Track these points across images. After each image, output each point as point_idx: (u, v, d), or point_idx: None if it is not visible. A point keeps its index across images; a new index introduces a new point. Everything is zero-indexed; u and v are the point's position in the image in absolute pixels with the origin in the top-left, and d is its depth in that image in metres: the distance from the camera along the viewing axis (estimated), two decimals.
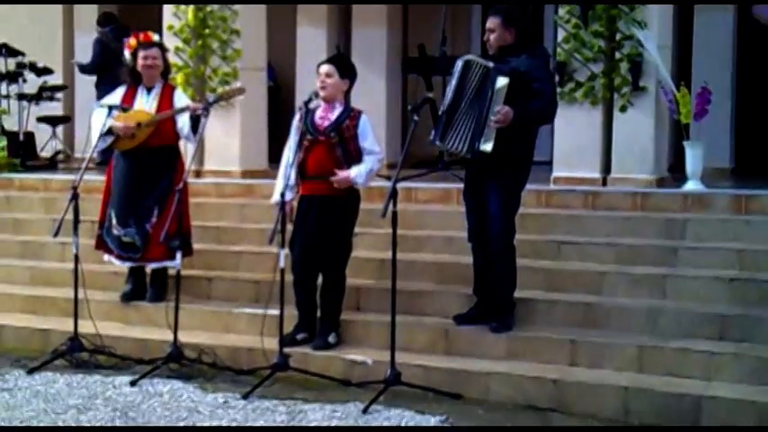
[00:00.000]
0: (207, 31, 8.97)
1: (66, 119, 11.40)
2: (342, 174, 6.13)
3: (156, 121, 6.79)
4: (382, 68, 10.64)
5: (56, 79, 11.41)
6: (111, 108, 6.70)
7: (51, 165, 10.62)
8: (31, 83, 11.08)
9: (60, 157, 11.08)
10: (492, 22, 6.02)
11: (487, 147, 5.82)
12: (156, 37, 7.00)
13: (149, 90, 6.92)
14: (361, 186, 6.27)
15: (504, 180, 5.97)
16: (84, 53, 11.56)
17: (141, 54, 6.84)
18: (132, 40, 6.92)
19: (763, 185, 7.48)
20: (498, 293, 6.09)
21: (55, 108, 11.40)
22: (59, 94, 11.38)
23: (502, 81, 5.78)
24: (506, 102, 5.78)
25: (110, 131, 6.71)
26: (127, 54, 6.95)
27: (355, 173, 6.16)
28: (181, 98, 6.97)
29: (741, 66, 9.74)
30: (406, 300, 6.30)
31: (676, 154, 8.49)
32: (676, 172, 8.07)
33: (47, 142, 11.05)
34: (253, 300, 6.83)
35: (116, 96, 6.94)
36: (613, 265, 6.52)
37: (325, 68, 6.27)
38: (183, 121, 6.79)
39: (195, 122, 6.69)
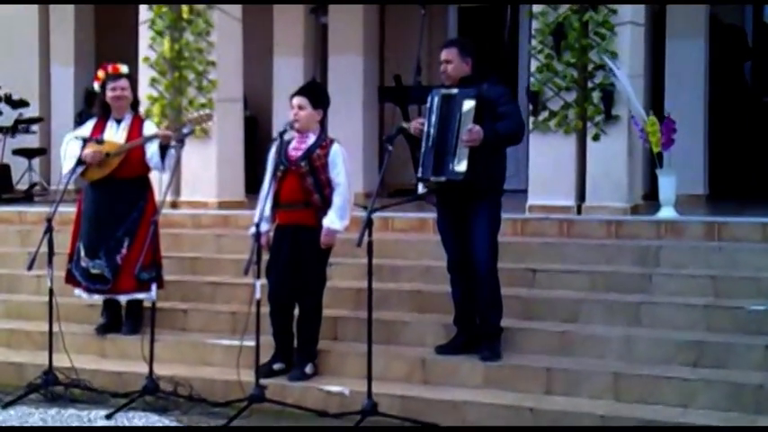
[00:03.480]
0: (183, 62, 9.00)
1: (43, 151, 11.36)
2: (324, 234, 6.15)
3: (125, 150, 6.79)
4: (359, 98, 10.70)
5: (32, 111, 11.39)
6: (85, 140, 6.72)
7: (27, 197, 10.59)
8: (7, 115, 11.04)
9: (37, 189, 11.03)
10: (448, 53, 6.11)
11: (461, 167, 5.87)
12: (124, 68, 7.02)
13: (119, 122, 6.93)
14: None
15: (487, 204, 6.01)
16: (60, 85, 11.62)
17: (110, 86, 6.87)
18: (101, 72, 6.96)
19: (735, 212, 7.56)
20: (486, 321, 6.10)
21: (31, 140, 11.37)
22: (35, 127, 11.35)
23: (469, 103, 5.87)
24: (476, 121, 5.85)
25: (80, 162, 6.72)
26: (96, 86, 6.97)
27: (330, 222, 6.15)
28: (150, 129, 6.97)
29: (714, 93, 9.85)
30: (383, 329, 6.31)
31: (651, 181, 8.56)
32: (651, 199, 8.13)
33: (23, 175, 11.01)
34: (229, 331, 6.81)
35: (86, 129, 6.96)
36: (588, 293, 6.55)
37: (297, 100, 6.30)
38: (153, 151, 6.80)
39: (163, 151, 6.71)
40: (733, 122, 10.07)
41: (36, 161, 11.28)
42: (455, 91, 6.00)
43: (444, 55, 6.13)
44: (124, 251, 6.80)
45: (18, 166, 11.07)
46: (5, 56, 11.54)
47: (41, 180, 11.29)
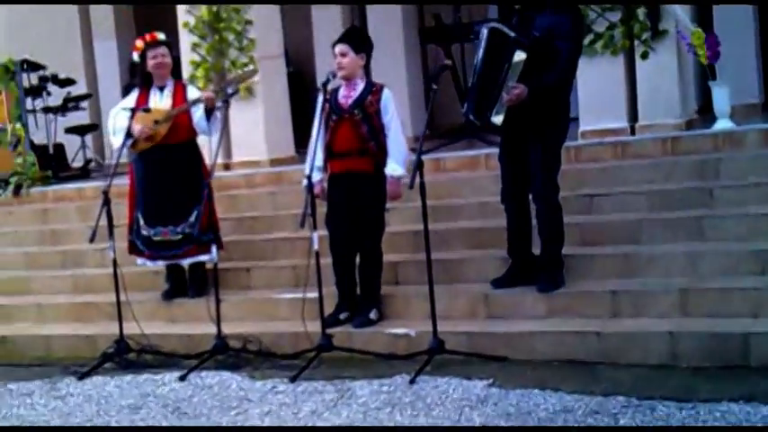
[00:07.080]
0: (222, 24, 8.97)
1: (94, 127, 11.47)
2: (390, 184, 6.14)
3: (172, 116, 6.80)
4: (400, 42, 10.59)
5: (79, 89, 11.50)
6: (132, 110, 6.75)
7: (84, 174, 10.71)
8: (56, 95, 11.15)
9: (92, 165, 11.16)
10: None
11: (498, 120, 5.82)
12: (161, 36, 6.98)
13: (161, 89, 6.93)
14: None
15: (544, 137, 5.90)
16: (104, 60, 11.72)
17: (150, 54, 6.86)
18: (139, 42, 6.93)
19: None
20: (545, 252, 6.04)
21: (81, 117, 11.48)
22: (84, 104, 11.46)
23: (520, 55, 5.71)
24: (524, 74, 5.70)
25: (129, 134, 6.76)
26: (135, 56, 6.97)
27: (392, 170, 6.15)
28: (193, 93, 6.96)
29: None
30: (443, 269, 6.31)
31: (703, 95, 8.37)
32: (705, 113, 7.95)
33: (77, 152, 11.14)
34: (292, 285, 6.84)
35: (130, 101, 6.97)
36: (648, 213, 6.45)
37: (339, 48, 6.25)
38: (199, 116, 6.80)
39: (209, 114, 6.72)
40: None
41: (89, 137, 11.39)
42: (512, 34, 5.78)
43: None
44: (192, 219, 6.82)
45: (72, 143, 11.19)
46: (48, 36, 11.62)
47: (96, 155, 11.42)
